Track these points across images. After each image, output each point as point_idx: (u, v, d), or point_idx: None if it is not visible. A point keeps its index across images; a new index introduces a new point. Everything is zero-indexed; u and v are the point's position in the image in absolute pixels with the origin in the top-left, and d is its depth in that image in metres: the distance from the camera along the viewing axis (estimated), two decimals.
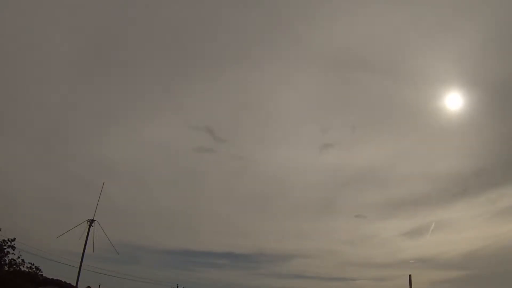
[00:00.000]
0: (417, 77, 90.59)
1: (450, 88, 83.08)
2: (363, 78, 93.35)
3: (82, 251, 39.93)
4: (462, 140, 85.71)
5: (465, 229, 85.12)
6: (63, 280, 54.40)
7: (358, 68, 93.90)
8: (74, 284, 41.76)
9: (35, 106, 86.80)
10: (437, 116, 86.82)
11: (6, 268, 36.19)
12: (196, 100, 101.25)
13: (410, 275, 34.68)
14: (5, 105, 78.52)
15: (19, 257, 36.64)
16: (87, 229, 40.50)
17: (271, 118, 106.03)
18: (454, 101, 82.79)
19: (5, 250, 36.01)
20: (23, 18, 75.65)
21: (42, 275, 42.21)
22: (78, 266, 40.09)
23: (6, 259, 36.14)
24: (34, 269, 38.19)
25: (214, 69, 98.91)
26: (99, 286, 59.59)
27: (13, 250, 36.46)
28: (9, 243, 36.09)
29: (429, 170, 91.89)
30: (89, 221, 40.80)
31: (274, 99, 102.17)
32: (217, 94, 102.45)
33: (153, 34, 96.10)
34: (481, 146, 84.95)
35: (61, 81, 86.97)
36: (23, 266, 37.07)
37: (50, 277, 52.24)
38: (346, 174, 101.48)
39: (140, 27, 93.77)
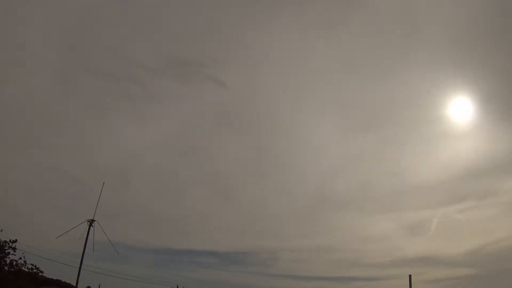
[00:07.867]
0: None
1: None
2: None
3: (82, 251, 40.05)
4: (470, 134, 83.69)
5: (469, 226, 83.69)
6: (63, 280, 54.34)
7: None
8: (74, 284, 41.80)
9: (33, 106, 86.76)
10: (446, 107, 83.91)
11: (7, 268, 36.28)
12: None
13: (410, 275, 34.82)
14: (4, 106, 78.49)
15: (20, 258, 36.85)
16: (87, 229, 40.60)
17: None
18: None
19: (6, 251, 36.09)
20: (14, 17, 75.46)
21: (42, 275, 42.26)
22: (78, 266, 40.21)
23: (7, 260, 36.24)
24: (35, 270, 38.26)
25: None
26: (99, 286, 59.58)
27: (14, 251, 36.62)
28: (10, 244, 36.23)
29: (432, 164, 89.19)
30: (89, 221, 40.91)
31: None
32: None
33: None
34: (490, 140, 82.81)
35: (57, 81, 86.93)
36: (25, 267, 37.21)
37: (50, 277, 52.16)
38: (342, 165, 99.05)
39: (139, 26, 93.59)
